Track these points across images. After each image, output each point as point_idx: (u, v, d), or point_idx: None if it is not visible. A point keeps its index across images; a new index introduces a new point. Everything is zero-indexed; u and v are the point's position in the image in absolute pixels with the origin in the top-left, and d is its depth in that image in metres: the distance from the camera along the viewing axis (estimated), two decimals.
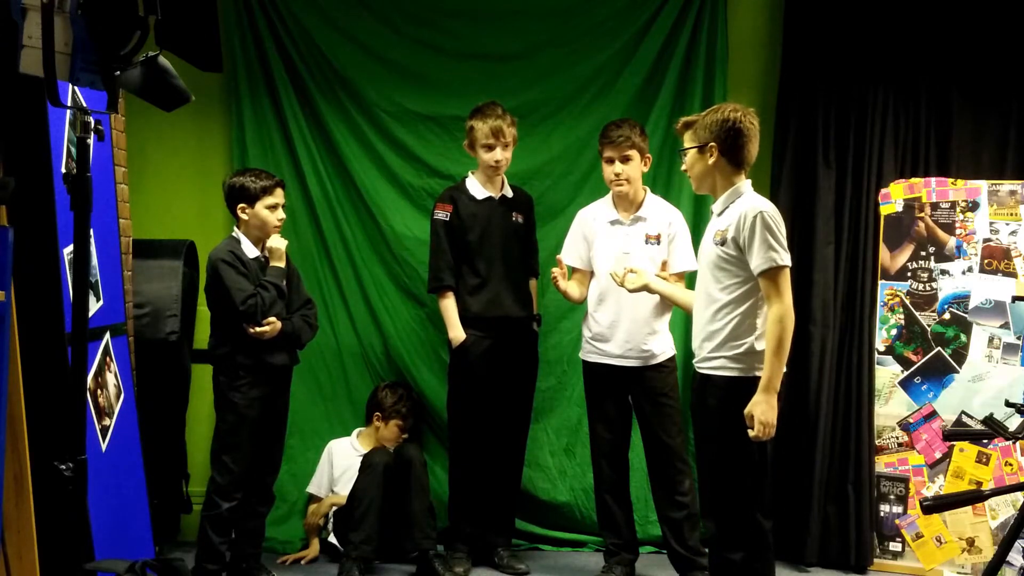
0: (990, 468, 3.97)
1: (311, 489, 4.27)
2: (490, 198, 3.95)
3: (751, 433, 2.83)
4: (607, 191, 4.33)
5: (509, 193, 4.00)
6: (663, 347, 3.75)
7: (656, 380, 3.73)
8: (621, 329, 3.71)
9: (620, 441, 3.84)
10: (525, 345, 4.04)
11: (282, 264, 3.58)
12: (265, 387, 3.58)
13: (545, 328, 4.22)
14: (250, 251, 3.57)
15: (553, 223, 4.35)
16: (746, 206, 2.88)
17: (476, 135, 3.86)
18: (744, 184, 2.99)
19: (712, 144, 2.94)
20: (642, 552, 4.04)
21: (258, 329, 3.48)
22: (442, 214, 3.94)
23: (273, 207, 3.57)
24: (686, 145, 3.04)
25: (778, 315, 2.85)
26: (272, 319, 3.51)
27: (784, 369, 2.90)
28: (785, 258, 2.86)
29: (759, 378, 2.87)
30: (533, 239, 4.13)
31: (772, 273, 2.85)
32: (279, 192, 3.60)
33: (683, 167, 3.11)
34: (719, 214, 2.99)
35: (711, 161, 2.95)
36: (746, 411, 2.84)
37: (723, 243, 2.90)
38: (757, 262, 2.84)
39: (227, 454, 3.55)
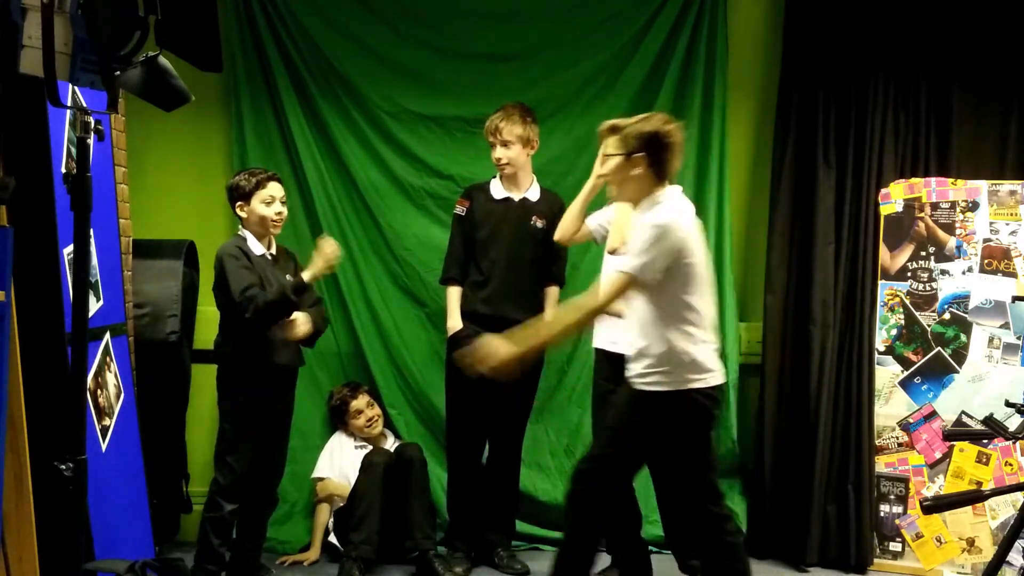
0: (990, 468, 3.97)
1: (319, 473, 4.24)
2: (508, 199, 3.94)
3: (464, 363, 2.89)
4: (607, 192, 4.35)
5: (533, 196, 3.97)
6: None
7: None
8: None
9: None
10: None
11: (304, 281, 3.44)
12: (269, 387, 3.54)
13: None
14: (256, 248, 3.52)
15: None
16: (655, 216, 2.81)
17: (483, 134, 3.89)
18: (663, 193, 2.89)
19: (639, 155, 2.85)
20: None
21: (288, 322, 3.41)
22: (460, 209, 3.98)
23: (269, 201, 3.49)
24: (611, 151, 2.96)
25: (588, 305, 2.85)
26: (300, 315, 3.44)
27: (561, 335, 3.04)
28: (645, 272, 2.75)
29: (688, 391, 2.82)
30: (557, 246, 3.95)
31: (625, 277, 2.77)
32: (273, 185, 3.52)
33: (603, 172, 3.03)
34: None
35: (636, 172, 2.87)
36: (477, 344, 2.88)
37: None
38: (625, 259, 2.78)
39: (230, 455, 3.50)
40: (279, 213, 3.53)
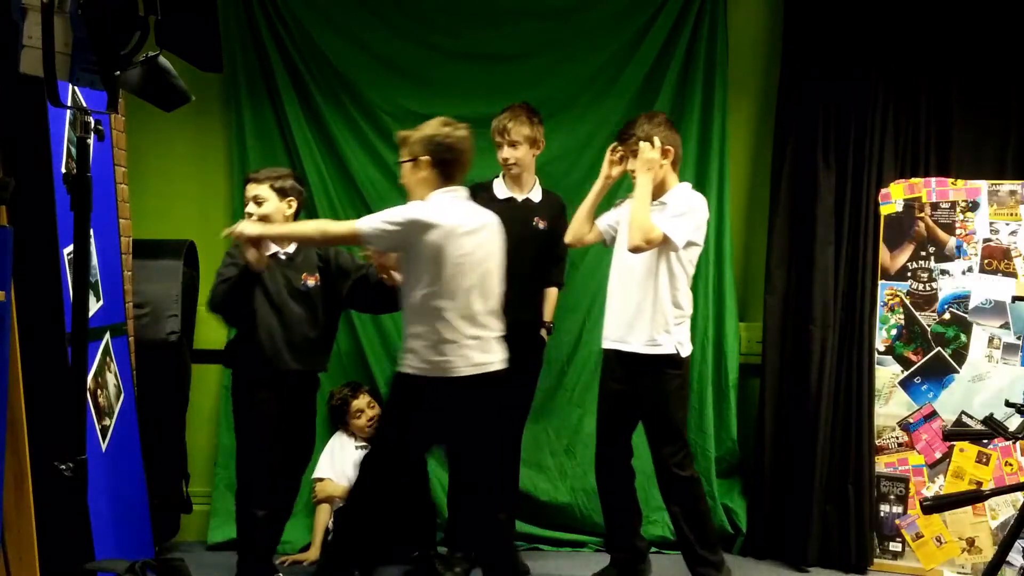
0: (990, 468, 3.97)
1: (320, 473, 4.22)
2: (511, 199, 3.93)
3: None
4: (612, 190, 4.41)
5: (536, 197, 3.96)
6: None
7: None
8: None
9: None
10: (524, 348, 3.99)
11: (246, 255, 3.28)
12: (278, 392, 3.44)
13: None
14: (267, 247, 3.47)
15: None
16: (421, 204, 3.06)
17: (491, 134, 3.90)
18: (441, 191, 3.08)
19: (423, 158, 3.07)
20: None
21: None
22: None
23: (247, 203, 3.47)
24: (400, 159, 3.16)
25: (325, 227, 3.24)
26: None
27: (291, 235, 3.30)
28: (369, 237, 3.03)
29: (413, 375, 3.06)
30: (559, 248, 3.99)
31: (355, 228, 3.05)
32: (250, 187, 3.47)
33: (400, 180, 3.24)
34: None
35: (422, 174, 3.09)
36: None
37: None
38: (367, 218, 3.04)
39: (247, 462, 3.47)
40: (249, 214, 3.43)
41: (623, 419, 3.69)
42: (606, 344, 3.64)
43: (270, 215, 3.43)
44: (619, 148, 3.60)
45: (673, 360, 3.51)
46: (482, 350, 3.12)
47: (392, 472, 3.23)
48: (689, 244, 3.49)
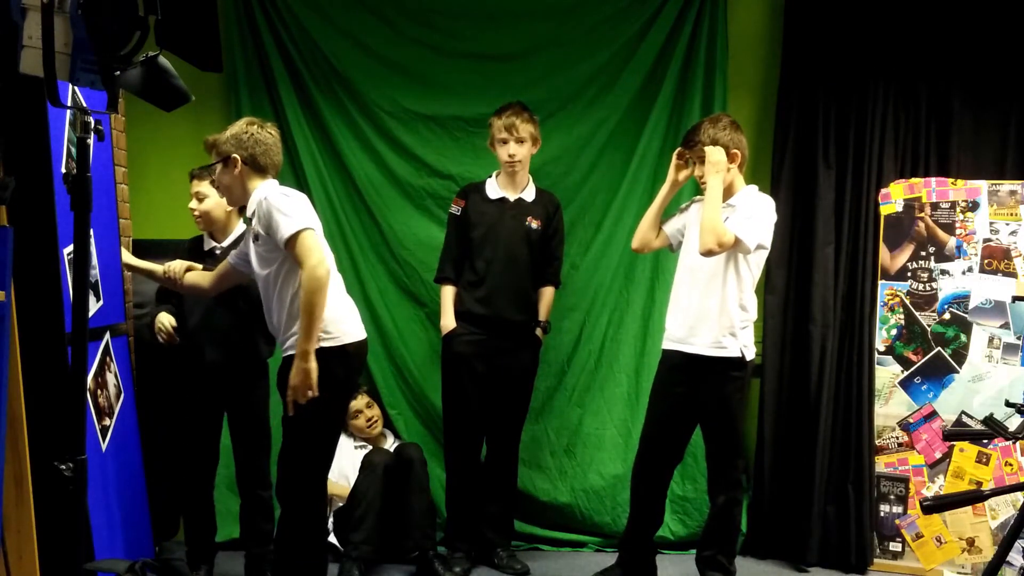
0: (990, 468, 3.98)
1: None
2: (503, 199, 3.94)
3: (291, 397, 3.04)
4: (611, 191, 4.39)
5: (529, 197, 3.97)
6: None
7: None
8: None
9: None
10: (520, 348, 4.00)
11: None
12: (196, 381, 3.56)
13: None
14: (207, 243, 3.64)
15: None
16: (255, 200, 3.11)
17: (492, 131, 3.90)
18: (260, 184, 3.15)
19: (234, 156, 3.15)
20: None
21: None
22: (455, 208, 3.99)
23: (192, 199, 3.60)
24: (212, 162, 3.23)
25: (305, 276, 2.98)
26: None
27: (318, 329, 3.01)
28: (298, 222, 3.00)
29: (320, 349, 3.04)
30: (553, 247, 4.04)
31: (293, 240, 3.00)
32: (193, 183, 3.59)
33: (214, 184, 3.31)
34: (248, 219, 3.19)
35: (236, 171, 3.16)
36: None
37: (256, 239, 3.12)
38: (279, 236, 3.01)
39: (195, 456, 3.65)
40: (192, 209, 3.59)
41: (681, 424, 3.62)
42: (668, 345, 3.59)
43: (210, 211, 3.57)
44: (686, 153, 3.58)
45: (738, 363, 3.47)
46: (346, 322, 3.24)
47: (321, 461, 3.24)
48: (758, 247, 3.44)
